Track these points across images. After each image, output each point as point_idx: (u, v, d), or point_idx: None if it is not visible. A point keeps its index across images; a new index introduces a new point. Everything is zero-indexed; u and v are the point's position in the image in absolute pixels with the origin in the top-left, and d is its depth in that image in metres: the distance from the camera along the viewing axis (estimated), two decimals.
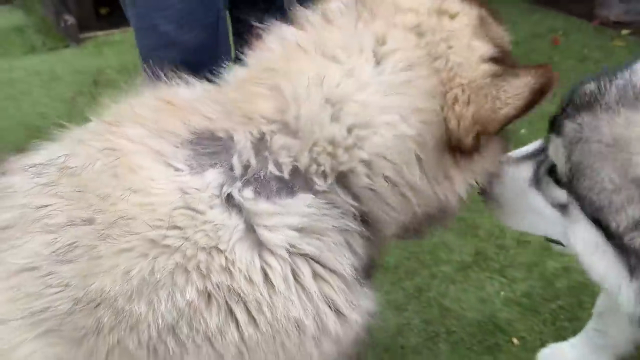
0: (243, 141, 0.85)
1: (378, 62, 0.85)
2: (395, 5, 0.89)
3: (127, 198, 0.81)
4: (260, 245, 0.83)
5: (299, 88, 0.84)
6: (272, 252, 0.83)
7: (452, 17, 0.89)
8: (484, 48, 0.88)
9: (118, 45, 3.59)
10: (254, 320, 0.83)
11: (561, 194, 1.05)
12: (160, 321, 0.81)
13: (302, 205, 0.84)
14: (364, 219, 0.89)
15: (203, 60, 1.52)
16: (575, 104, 1.01)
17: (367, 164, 0.85)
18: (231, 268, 0.82)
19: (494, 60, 0.88)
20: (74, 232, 0.82)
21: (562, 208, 1.05)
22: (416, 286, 1.90)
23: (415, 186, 0.87)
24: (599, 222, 0.97)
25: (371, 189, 0.86)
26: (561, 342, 1.67)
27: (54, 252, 0.82)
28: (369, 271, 0.96)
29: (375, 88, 0.83)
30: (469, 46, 0.87)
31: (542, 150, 1.12)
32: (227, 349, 0.84)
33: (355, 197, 0.87)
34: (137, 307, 0.81)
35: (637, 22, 4.28)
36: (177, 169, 0.84)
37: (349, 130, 0.83)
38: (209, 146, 0.86)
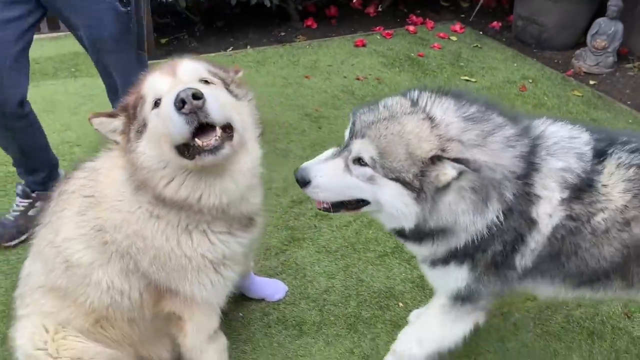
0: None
1: None
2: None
3: (107, 190, 1.81)
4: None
5: None
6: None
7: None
8: None
9: None
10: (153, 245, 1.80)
11: (367, 171, 1.58)
12: (125, 242, 1.79)
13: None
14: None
15: None
16: (365, 122, 1.60)
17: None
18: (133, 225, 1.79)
19: None
20: (89, 200, 1.84)
21: (369, 179, 1.58)
22: (346, 264, 2.79)
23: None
24: (398, 180, 1.54)
25: None
26: None
27: (86, 206, 1.84)
28: (241, 223, 1.86)
29: None
30: None
31: (338, 153, 1.66)
32: (146, 253, 1.79)
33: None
34: (116, 235, 1.79)
35: (604, 74, 4.99)
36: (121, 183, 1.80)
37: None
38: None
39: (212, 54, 4.89)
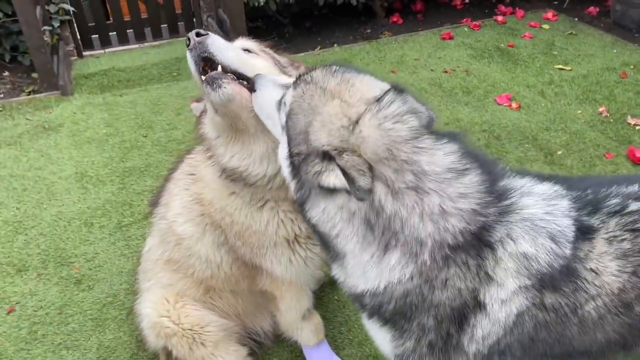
0: None
1: None
2: None
3: (204, 169, 1.95)
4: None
5: None
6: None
7: None
8: None
9: None
10: None
11: (284, 119, 1.46)
12: (216, 216, 1.94)
13: None
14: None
15: None
16: (312, 77, 1.42)
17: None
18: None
19: None
20: (192, 177, 2.03)
21: (283, 128, 1.46)
22: None
23: None
24: (287, 143, 1.41)
25: None
26: None
27: (189, 182, 2.04)
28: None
29: None
30: None
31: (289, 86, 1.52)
32: (232, 228, 1.94)
33: None
34: (209, 208, 1.94)
35: None
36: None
37: None
38: None
39: (301, 54, 5.08)
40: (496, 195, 1.35)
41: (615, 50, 4.80)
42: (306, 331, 2.18)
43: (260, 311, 2.27)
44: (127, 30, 5.69)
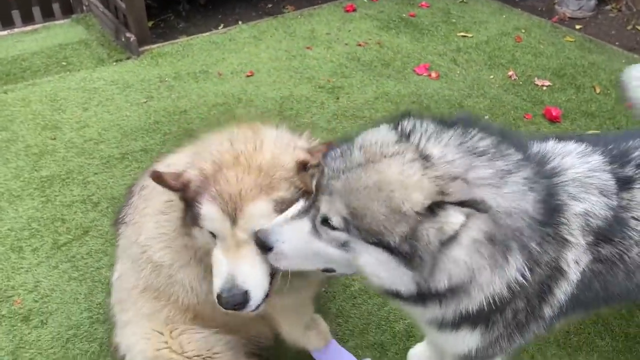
0: None
1: None
2: None
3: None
4: None
5: None
6: None
7: None
8: None
9: (169, 56, 4.39)
10: None
11: (340, 235, 1.27)
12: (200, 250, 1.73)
13: None
14: None
15: None
16: (334, 171, 1.29)
17: None
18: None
19: None
20: (169, 203, 1.76)
21: (343, 245, 1.29)
22: None
23: None
24: (380, 244, 1.22)
25: None
26: None
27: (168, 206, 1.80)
28: None
29: None
30: None
31: (308, 209, 1.36)
32: None
33: None
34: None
35: (587, 17, 5.17)
36: None
37: None
38: None
39: (207, 34, 4.76)
40: (537, 161, 1.38)
41: (504, 16, 5.15)
42: (313, 338, 2.10)
43: (256, 321, 2.11)
44: None
